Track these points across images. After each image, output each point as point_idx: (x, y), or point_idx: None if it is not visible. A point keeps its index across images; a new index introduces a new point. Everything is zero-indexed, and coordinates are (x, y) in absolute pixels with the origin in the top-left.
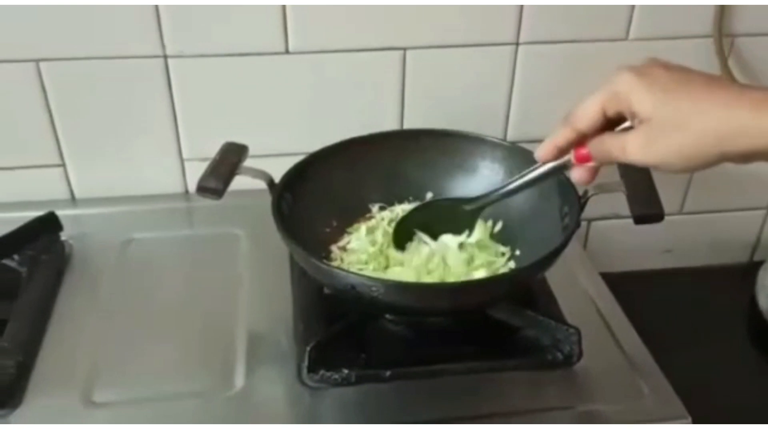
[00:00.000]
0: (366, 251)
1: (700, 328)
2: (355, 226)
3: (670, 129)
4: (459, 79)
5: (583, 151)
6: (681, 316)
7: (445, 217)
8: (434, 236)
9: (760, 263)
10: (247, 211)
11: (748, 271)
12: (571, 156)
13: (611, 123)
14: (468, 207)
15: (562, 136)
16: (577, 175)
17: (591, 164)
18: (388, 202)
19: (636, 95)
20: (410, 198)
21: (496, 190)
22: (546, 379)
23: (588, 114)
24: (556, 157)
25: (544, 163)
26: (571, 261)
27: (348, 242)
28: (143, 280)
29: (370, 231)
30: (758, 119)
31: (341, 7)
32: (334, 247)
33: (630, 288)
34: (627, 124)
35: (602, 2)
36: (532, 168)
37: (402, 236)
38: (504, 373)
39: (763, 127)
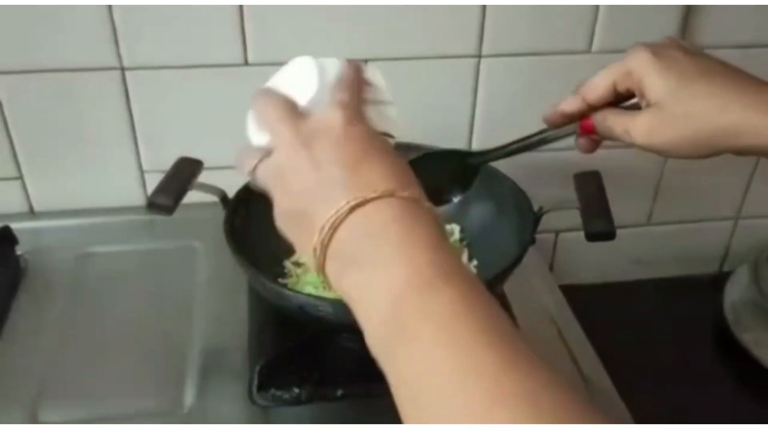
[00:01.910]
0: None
1: (668, 339)
2: None
3: (680, 118)
4: (422, 91)
5: (587, 122)
6: (648, 327)
7: (443, 170)
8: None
9: (728, 274)
10: (207, 224)
11: (717, 282)
12: (575, 125)
13: (621, 97)
14: (470, 161)
15: (570, 103)
16: (580, 143)
17: (594, 136)
18: None
19: (650, 77)
20: None
21: (500, 148)
22: None
23: (598, 87)
24: (561, 124)
25: (550, 127)
26: (532, 275)
27: (300, 256)
28: (99, 295)
29: None
30: None
31: (301, 18)
32: (288, 263)
33: (598, 299)
34: (635, 100)
35: (564, 15)
36: (537, 131)
37: None
38: None
39: None
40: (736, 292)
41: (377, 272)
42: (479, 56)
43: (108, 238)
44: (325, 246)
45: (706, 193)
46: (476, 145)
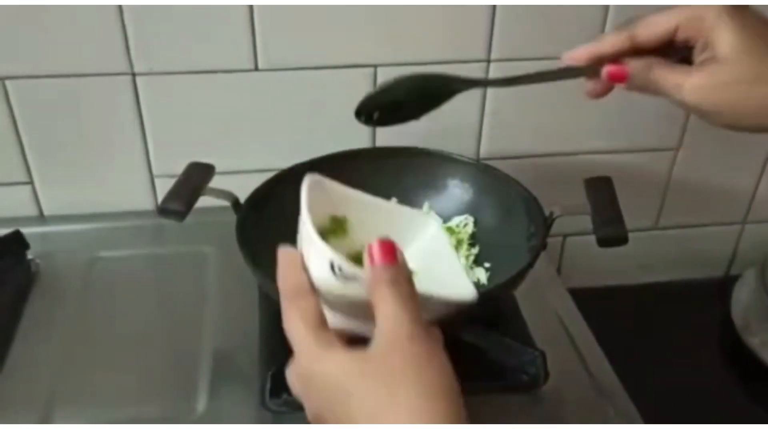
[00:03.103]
0: None
1: (675, 343)
2: None
3: (749, 81)
4: None
5: (622, 68)
6: (656, 331)
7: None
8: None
9: (735, 278)
10: (217, 229)
11: (724, 285)
12: (604, 69)
13: (676, 47)
14: (455, 86)
15: (612, 41)
16: (590, 86)
17: (623, 85)
18: None
19: (725, 29)
20: None
21: (500, 79)
22: (513, 401)
23: (658, 27)
24: (588, 63)
25: (568, 66)
26: (541, 279)
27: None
28: (110, 299)
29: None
30: None
31: (311, 23)
32: None
33: (605, 303)
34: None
35: (572, 20)
36: (548, 70)
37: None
38: (470, 396)
39: None
40: (744, 296)
41: None
42: (488, 61)
43: (118, 242)
44: None
45: (714, 197)
46: (484, 150)
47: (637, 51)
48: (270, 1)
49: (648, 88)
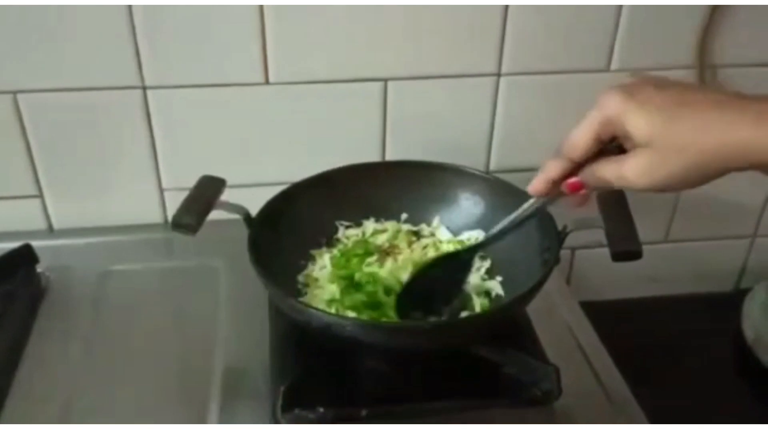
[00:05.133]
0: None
1: (685, 357)
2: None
3: (672, 152)
4: (441, 109)
5: (575, 180)
6: (665, 345)
7: (443, 279)
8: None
9: (745, 291)
10: (228, 243)
11: (734, 299)
12: (562, 187)
13: (604, 146)
14: (463, 256)
15: (555, 168)
16: (572, 201)
17: (584, 193)
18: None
19: (631, 119)
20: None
21: (489, 235)
22: (527, 416)
23: (582, 143)
24: (550, 191)
25: (538, 197)
26: (552, 293)
27: (313, 270)
28: (119, 314)
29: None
30: (763, 134)
31: (322, 37)
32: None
33: (615, 317)
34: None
35: (583, 33)
36: (524, 206)
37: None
38: (483, 411)
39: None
40: (754, 310)
41: None
42: (498, 75)
43: (128, 256)
44: None
45: (724, 211)
46: (494, 163)
47: (582, 165)
48: (281, 16)
49: (604, 187)
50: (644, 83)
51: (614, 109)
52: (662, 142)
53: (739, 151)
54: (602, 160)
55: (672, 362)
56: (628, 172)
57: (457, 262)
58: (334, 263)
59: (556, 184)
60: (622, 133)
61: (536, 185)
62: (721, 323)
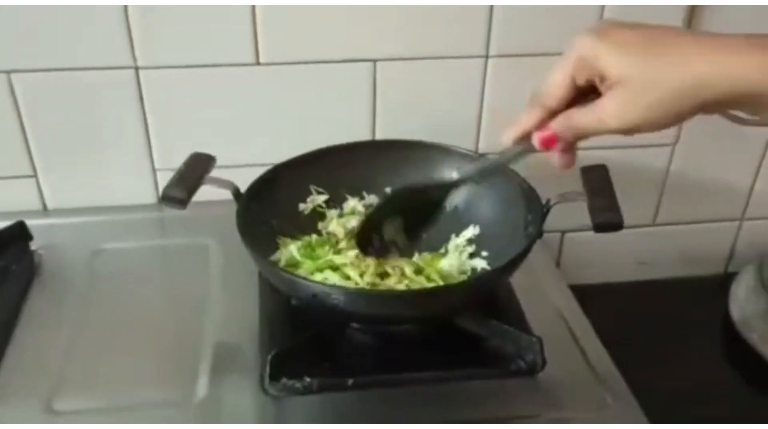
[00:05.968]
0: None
1: (674, 339)
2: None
3: (647, 87)
4: (430, 90)
5: (548, 133)
6: (654, 327)
7: (412, 208)
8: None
9: (734, 275)
10: (219, 221)
11: (722, 282)
12: (534, 141)
13: (581, 93)
14: (435, 193)
15: (529, 117)
16: (557, 161)
17: (557, 147)
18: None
19: (604, 57)
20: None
21: (466, 174)
22: (511, 388)
23: (558, 88)
24: (518, 142)
25: (507, 149)
26: (541, 273)
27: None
28: (112, 290)
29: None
30: (738, 60)
31: (312, 18)
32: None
33: (604, 300)
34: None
35: (570, 14)
36: (501, 152)
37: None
38: (468, 382)
39: (743, 68)
40: (742, 292)
41: None
42: (486, 56)
43: (121, 235)
44: None
45: (712, 193)
46: (483, 143)
47: (556, 113)
48: None
49: (582, 136)
50: (616, 23)
51: (588, 48)
52: (638, 78)
53: (714, 79)
54: (576, 109)
55: (661, 345)
56: (605, 113)
57: (427, 201)
58: (301, 254)
59: (530, 135)
60: (596, 72)
61: (508, 135)
62: (710, 306)
